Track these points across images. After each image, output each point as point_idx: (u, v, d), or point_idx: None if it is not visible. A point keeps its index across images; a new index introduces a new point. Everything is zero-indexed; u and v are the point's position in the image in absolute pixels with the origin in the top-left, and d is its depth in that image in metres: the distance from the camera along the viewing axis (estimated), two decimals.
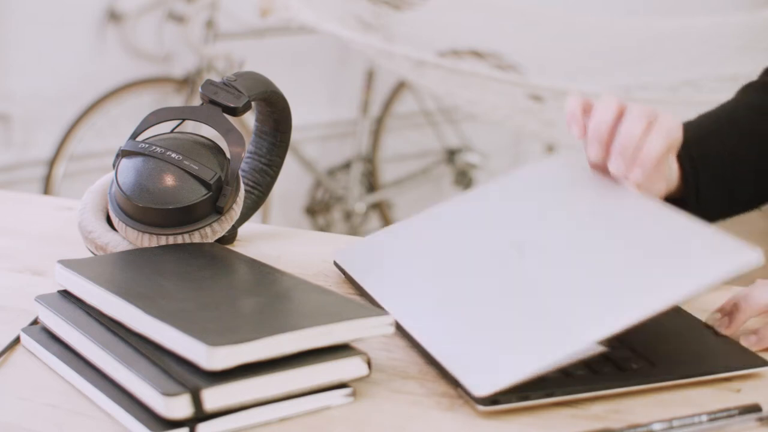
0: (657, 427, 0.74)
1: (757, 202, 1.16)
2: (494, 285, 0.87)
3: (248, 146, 1.11)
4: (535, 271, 0.87)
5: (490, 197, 1.03)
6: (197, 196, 0.97)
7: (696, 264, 0.81)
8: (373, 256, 1.03)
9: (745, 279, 0.88)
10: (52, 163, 3.16)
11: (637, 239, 0.87)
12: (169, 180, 0.97)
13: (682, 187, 1.10)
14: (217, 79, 1.09)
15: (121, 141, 1.05)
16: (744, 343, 0.89)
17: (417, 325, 0.87)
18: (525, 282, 0.86)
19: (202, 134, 1.04)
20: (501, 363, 0.78)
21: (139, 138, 1.01)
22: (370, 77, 3.84)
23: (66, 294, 0.89)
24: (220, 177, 0.98)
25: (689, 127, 1.08)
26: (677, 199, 1.10)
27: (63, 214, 1.25)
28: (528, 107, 2.92)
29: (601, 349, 0.80)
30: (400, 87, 3.93)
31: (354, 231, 3.85)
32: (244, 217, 1.11)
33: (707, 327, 0.91)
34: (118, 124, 3.14)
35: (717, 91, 2.83)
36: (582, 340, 0.77)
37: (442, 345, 0.83)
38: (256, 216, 1.22)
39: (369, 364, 0.79)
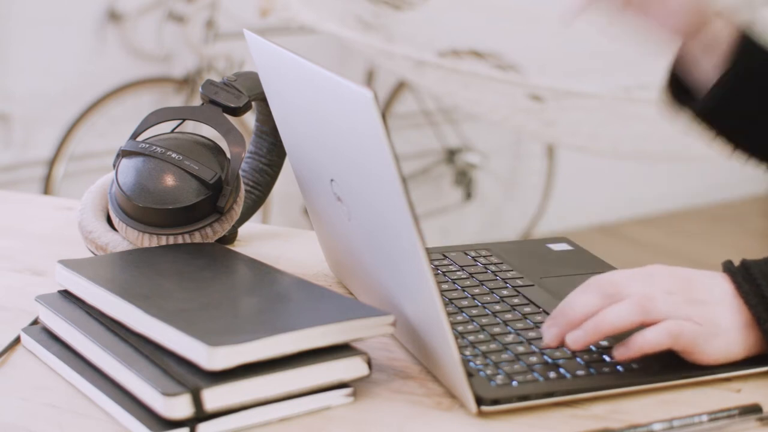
0: (657, 427, 0.74)
1: None
2: None
3: (248, 146, 1.11)
4: None
5: None
6: (197, 196, 0.97)
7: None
8: None
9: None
10: (52, 163, 3.16)
11: None
12: (170, 180, 0.97)
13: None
14: (217, 79, 1.09)
15: (121, 141, 1.05)
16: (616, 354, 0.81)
17: None
18: None
19: (202, 134, 1.04)
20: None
21: (139, 138, 1.01)
22: (370, 77, 3.84)
23: (66, 294, 0.89)
24: (220, 177, 0.98)
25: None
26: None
27: (63, 214, 1.25)
28: (528, 107, 2.92)
29: None
30: (400, 87, 3.92)
31: None
32: (244, 217, 1.11)
33: None
34: (118, 124, 3.14)
35: None
36: None
37: None
38: (256, 216, 1.22)
39: (369, 364, 0.79)
